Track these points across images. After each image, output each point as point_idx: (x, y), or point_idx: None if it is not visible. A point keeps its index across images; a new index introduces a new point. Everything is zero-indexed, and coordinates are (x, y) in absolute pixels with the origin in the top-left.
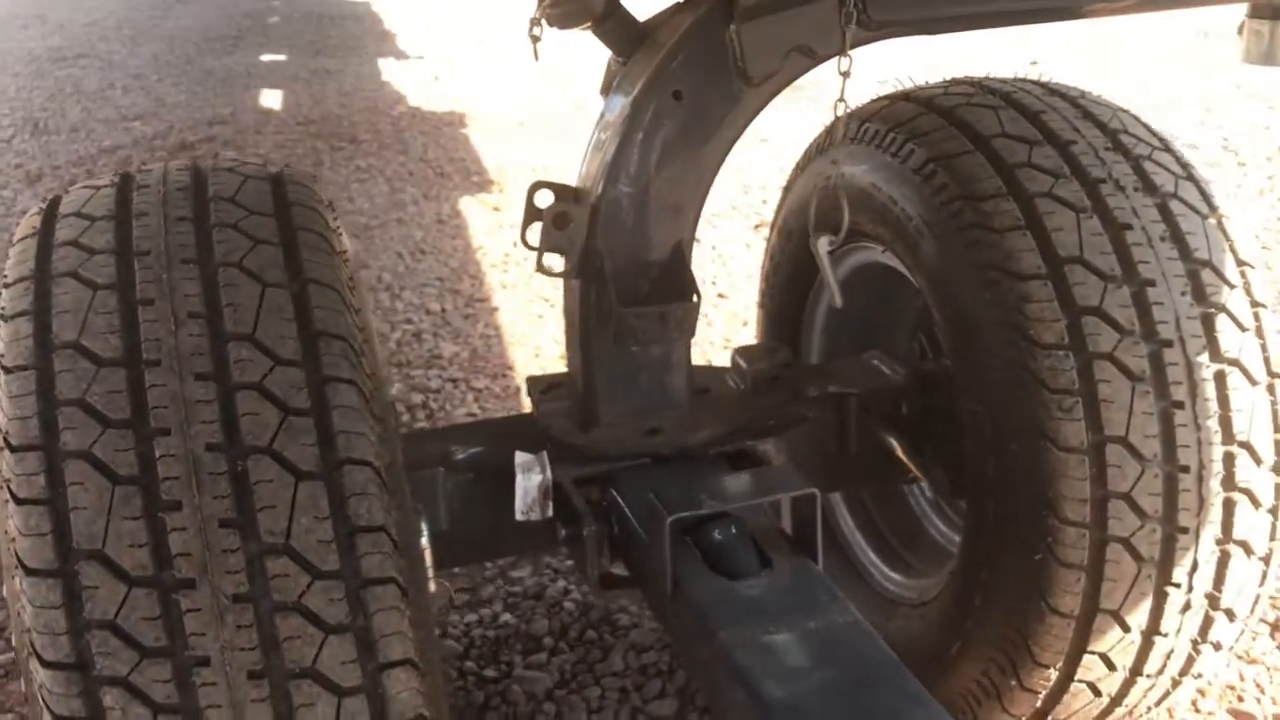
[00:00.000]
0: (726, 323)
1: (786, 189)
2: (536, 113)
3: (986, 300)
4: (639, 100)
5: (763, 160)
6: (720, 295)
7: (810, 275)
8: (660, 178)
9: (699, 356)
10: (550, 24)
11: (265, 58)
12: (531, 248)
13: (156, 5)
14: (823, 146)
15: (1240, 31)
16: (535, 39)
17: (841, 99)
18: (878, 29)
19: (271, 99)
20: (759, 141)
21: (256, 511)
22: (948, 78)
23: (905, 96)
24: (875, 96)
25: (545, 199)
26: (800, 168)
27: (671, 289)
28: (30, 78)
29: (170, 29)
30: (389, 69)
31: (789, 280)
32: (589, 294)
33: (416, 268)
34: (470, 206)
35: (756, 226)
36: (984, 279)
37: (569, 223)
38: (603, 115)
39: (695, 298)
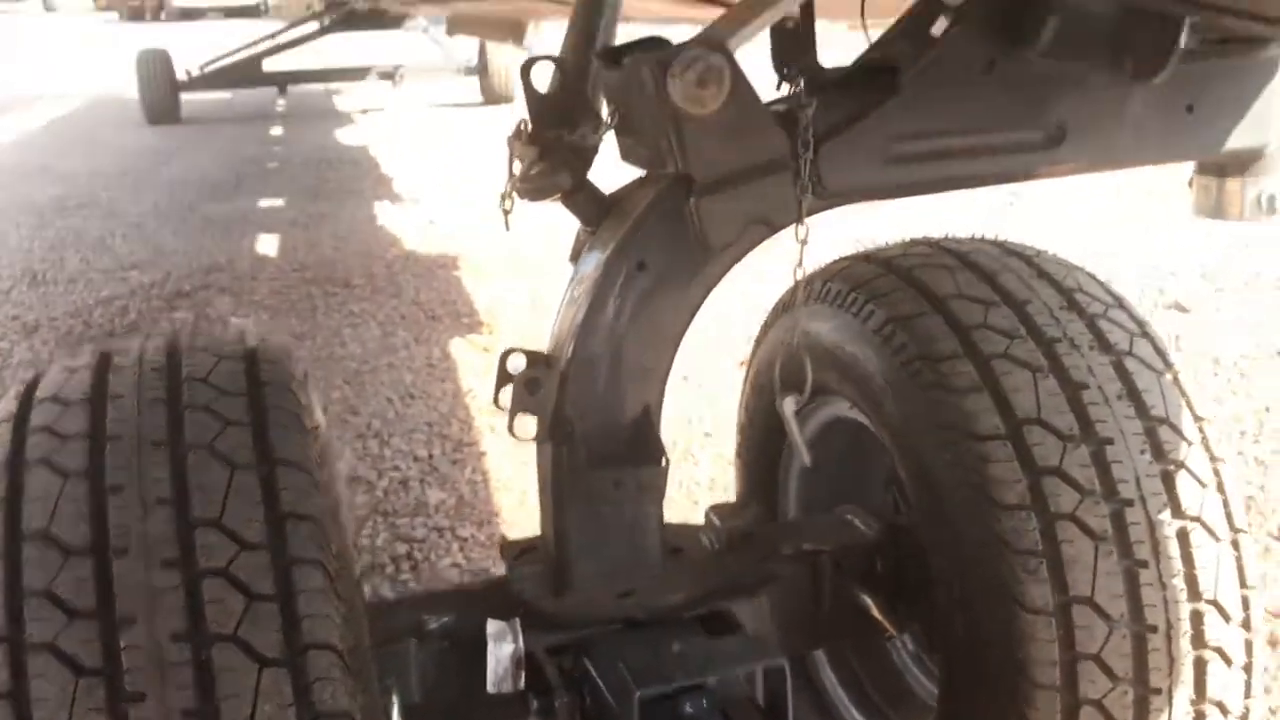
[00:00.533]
0: (713, 463)
1: (756, 344)
2: (527, 255)
3: (948, 460)
4: (605, 269)
5: (752, 293)
6: (706, 434)
7: (783, 430)
8: (627, 343)
9: (684, 499)
10: (521, 197)
11: (264, 203)
12: (504, 409)
13: (160, 152)
14: (787, 305)
15: (1190, 185)
16: (506, 211)
17: (800, 264)
18: (832, 198)
19: (268, 245)
20: (749, 273)
21: (220, 701)
22: (909, 238)
23: (866, 258)
24: (838, 257)
25: (517, 363)
26: (767, 325)
27: (640, 452)
28: (32, 228)
29: (172, 175)
30: (385, 213)
31: (763, 435)
32: (560, 457)
33: (406, 413)
34: (461, 349)
35: (742, 363)
36: (945, 439)
37: (539, 388)
38: (572, 282)
39: (664, 461)
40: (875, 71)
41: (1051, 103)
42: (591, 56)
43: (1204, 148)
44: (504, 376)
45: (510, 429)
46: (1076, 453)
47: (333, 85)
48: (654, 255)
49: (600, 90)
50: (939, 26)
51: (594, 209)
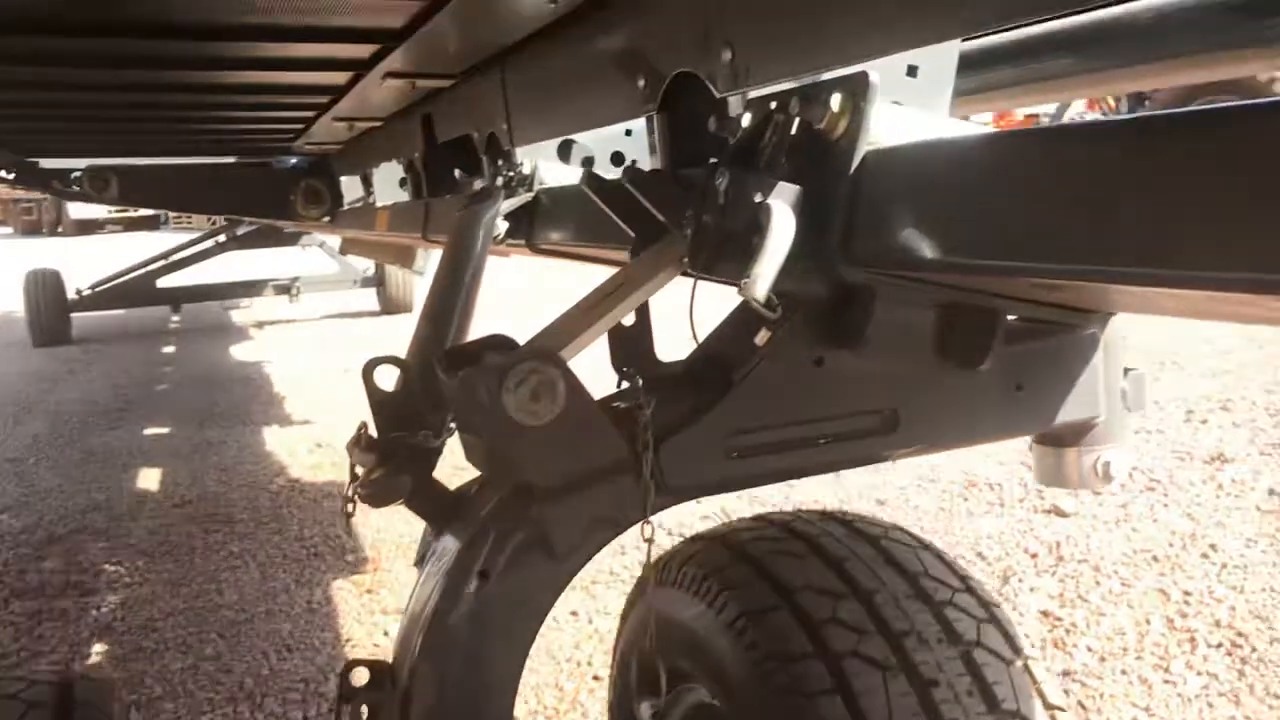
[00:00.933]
0: (601, 711)
1: (619, 632)
2: None
3: None
4: (448, 579)
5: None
6: (595, 678)
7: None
8: (472, 659)
9: None
10: (363, 502)
11: (149, 431)
12: None
13: (45, 378)
14: (644, 589)
15: (1030, 449)
16: (348, 515)
17: (649, 561)
18: (676, 494)
19: (150, 479)
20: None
21: None
22: (759, 515)
23: (720, 540)
24: (692, 536)
25: (361, 678)
26: (626, 611)
27: None
28: None
29: (57, 402)
30: (274, 437)
31: (629, 714)
32: None
33: (281, 669)
34: (343, 591)
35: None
36: None
37: (382, 709)
38: (416, 588)
39: None
40: (710, 368)
41: (883, 393)
42: (434, 360)
43: (1037, 423)
44: (347, 693)
45: None
46: None
47: (228, 300)
48: (497, 564)
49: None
50: (762, 337)
51: (438, 512)
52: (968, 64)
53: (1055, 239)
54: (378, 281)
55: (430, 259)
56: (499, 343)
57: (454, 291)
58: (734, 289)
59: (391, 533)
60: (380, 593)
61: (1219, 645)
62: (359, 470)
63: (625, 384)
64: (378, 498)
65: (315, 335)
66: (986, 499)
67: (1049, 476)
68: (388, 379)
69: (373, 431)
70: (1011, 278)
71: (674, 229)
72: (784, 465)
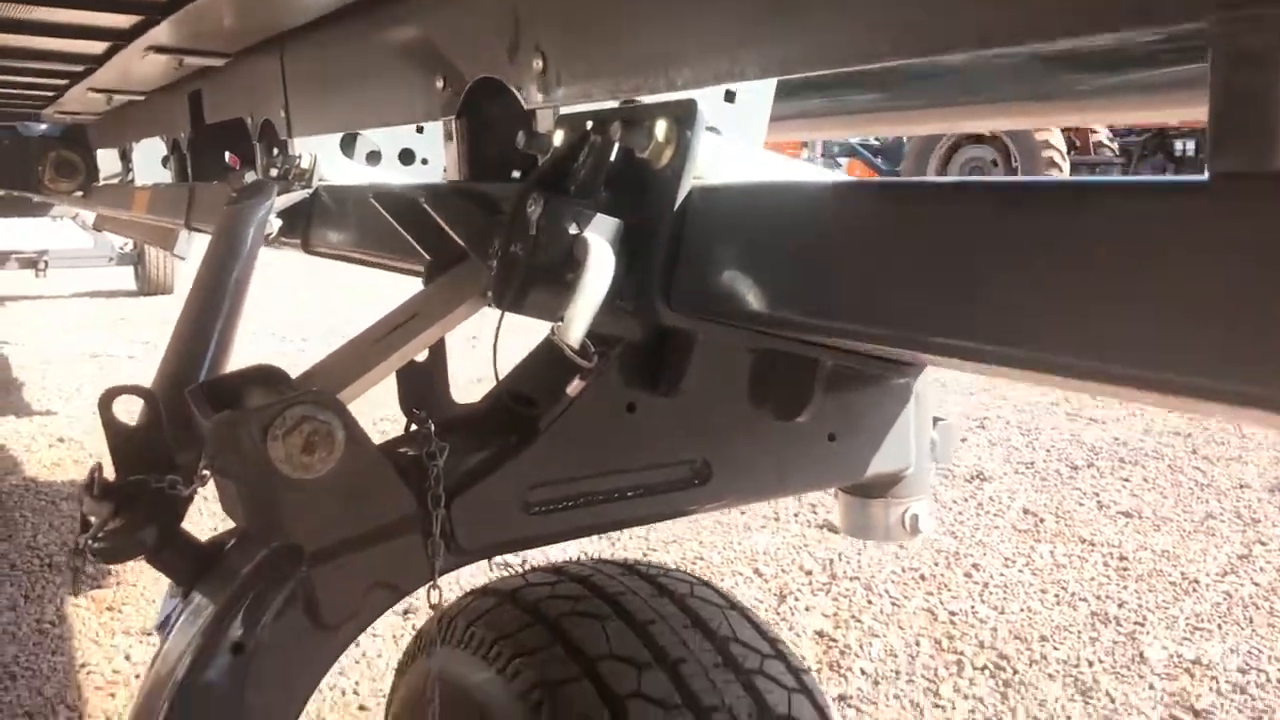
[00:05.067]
0: None
1: (393, 690)
2: None
3: None
4: (198, 651)
5: None
6: (361, 708)
7: None
8: None
9: None
10: (95, 557)
11: None
12: None
13: None
14: (425, 646)
15: (836, 498)
16: (76, 569)
17: (431, 629)
18: (467, 555)
19: None
20: None
21: None
22: (556, 565)
23: (511, 597)
24: (482, 588)
25: None
26: (402, 668)
27: None
28: None
29: None
30: (8, 429)
31: None
32: None
33: (2, 700)
34: (80, 608)
35: (405, 612)
36: None
37: None
38: (157, 658)
39: None
40: (510, 409)
41: (696, 442)
42: (187, 394)
43: (847, 475)
44: None
45: None
46: None
47: None
48: (254, 636)
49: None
50: (574, 387)
51: (186, 569)
52: (781, 90)
53: (883, 303)
54: (135, 259)
55: (193, 242)
56: (267, 376)
57: (216, 302)
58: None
59: None
60: (123, 610)
61: (984, 668)
62: (92, 520)
63: (415, 427)
64: (114, 553)
65: (64, 315)
66: (763, 513)
67: (855, 527)
68: (130, 412)
69: (109, 474)
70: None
71: (476, 256)
72: (588, 520)
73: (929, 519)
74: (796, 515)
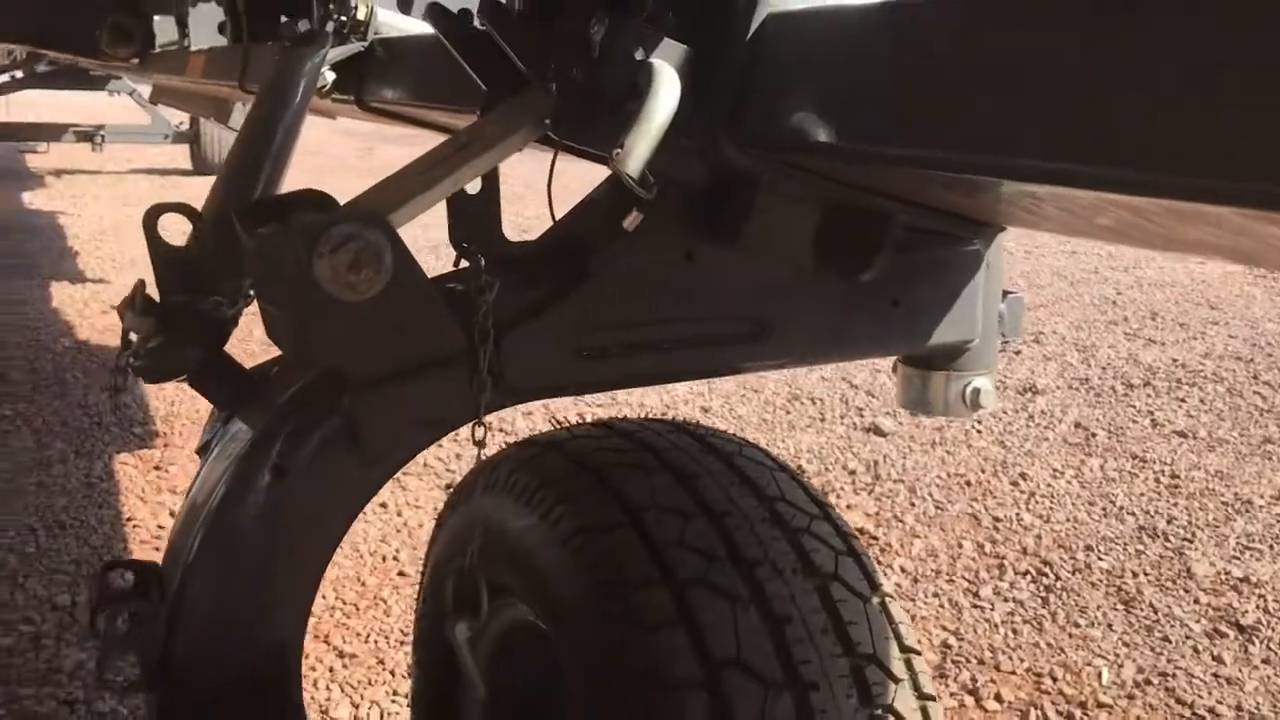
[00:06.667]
0: (405, 610)
1: (434, 535)
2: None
3: (637, 713)
4: (238, 473)
5: None
6: (400, 574)
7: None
8: (260, 568)
9: (370, 655)
10: (136, 375)
11: None
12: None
13: None
14: (468, 492)
15: (894, 371)
16: (115, 390)
17: (477, 468)
18: (514, 394)
19: None
20: None
21: None
22: (601, 421)
23: (556, 445)
24: (526, 439)
25: (123, 582)
26: (444, 514)
27: (271, 707)
28: None
29: None
30: (63, 294)
31: (440, 633)
32: (169, 714)
33: (50, 547)
34: (128, 466)
35: (447, 486)
36: (634, 687)
37: (147, 618)
38: (196, 481)
39: None
40: (565, 249)
41: (754, 297)
42: (233, 213)
43: (910, 342)
44: (105, 596)
45: (101, 677)
46: (780, 701)
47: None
48: (296, 460)
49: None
50: (631, 220)
51: (228, 393)
52: None
53: (984, 128)
54: (191, 138)
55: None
56: (314, 199)
57: (265, 141)
58: (599, 163)
59: (186, 406)
60: (169, 470)
61: (1025, 572)
62: (133, 337)
63: (465, 263)
64: (154, 371)
65: (119, 189)
66: (809, 413)
67: (913, 401)
68: (176, 231)
69: (153, 292)
70: (917, 171)
71: (537, 83)
72: (640, 370)
73: (991, 395)
74: (842, 417)
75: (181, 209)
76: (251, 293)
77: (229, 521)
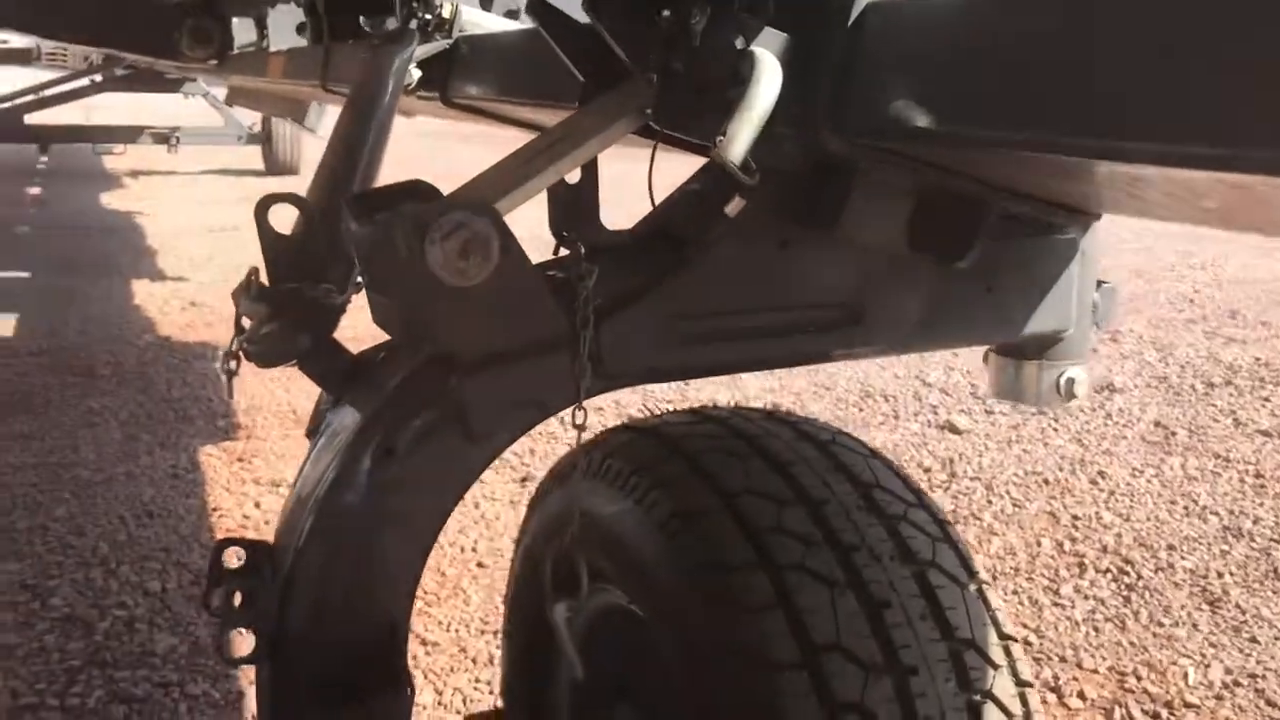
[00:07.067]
0: (485, 599)
1: (527, 517)
2: None
3: (737, 693)
4: (347, 454)
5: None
6: (480, 565)
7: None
8: (368, 545)
9: (452, 644)
10: (250, 360)
11: (5, 274)
12: (215, 615)
13: None
14: (563, 476)
15: (985, 361)
16: (230, 374)
17: (577, 450)
18: (613, 379)
19: (4, 325)
20: None
21: None
22: (692, 409)
23: (652, 431)
24: (619, 425)
25: (235, 559)
26: (538, 497)
27: (379, 678)
28: None
29: None
30: (143, 291)
31: (532, 615)
32: (280, 683)
33: (140, 536)
34: (212, 457)
35: (524, 480)
36: (734, 668)
37: (257, 599)
38: (306, 462)
39: (408, 690)
40: (661, 237)
41: (848, 284)
42: (342, 203)
43: (1002, 331)
44: (218, 575)
45: (219, 650)
46: (879, 685)
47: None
48: (405, 441)
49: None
50: (733, 206)
51: (337, 377)
52: None
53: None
54: (264, 139)
55: (324, 116)
56: (420, 190)
57: (361, 136)
58: (696, 153)
59: (268, 399)
60: (253, 462)
61: (1106, 571)
62: (246, 323)
63: (564, 251)
64: (268, 356)
65: (193, 190)
66: (882, 410)
67: (1005, 390)
68: (284, 221)
69: (264, 279)
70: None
71: (637, 74)
72: (735, 356)
73: (1085, 385)
74: (916, 414)
75: (291, 199)
76: (360, 280)
77: (339, 501)
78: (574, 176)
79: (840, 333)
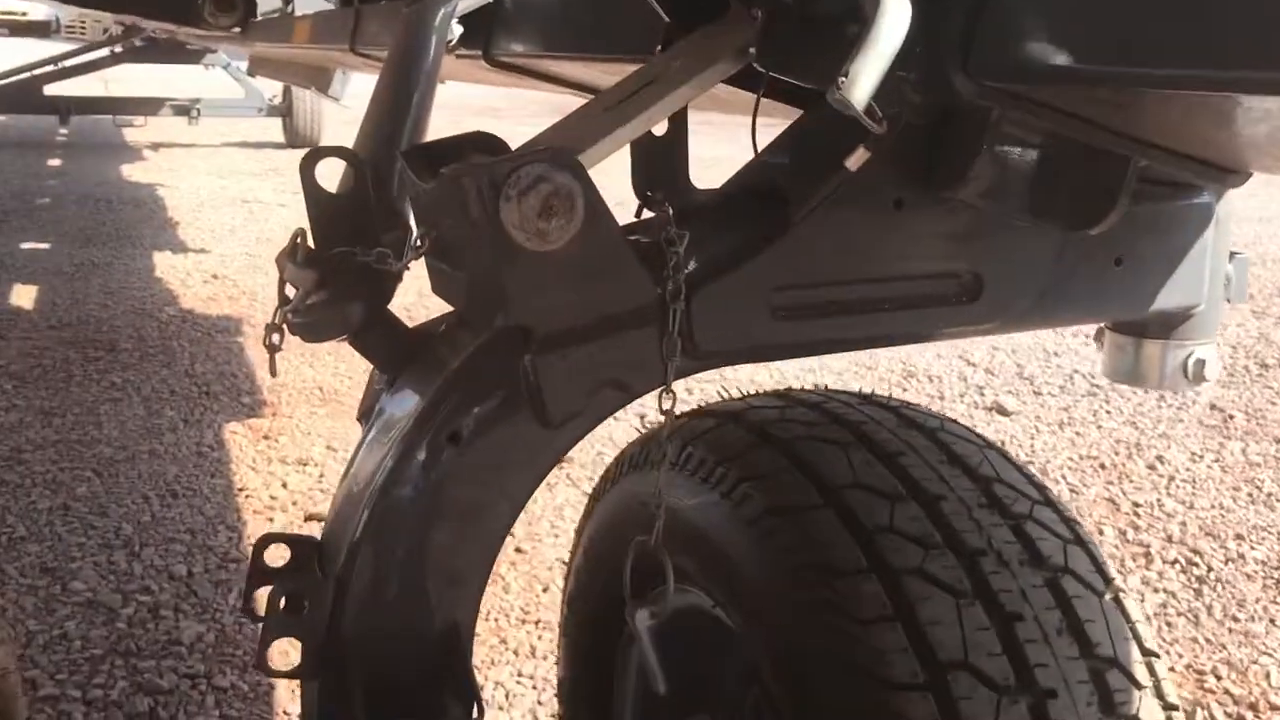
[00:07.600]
0: (525, 589)
1: (591, 504)
2: None
3: (851, 712)
4: (406, 441)
5: None
6: (518, 550)
7: (620, 615)
8: (431, 543)
9: (490, 633)
10: (293, 333)
11: (26, 246)
12: (257, 620)
13: None
14: (637, 463)
15: (1098, 339)
16: (273, 349)
17: (667, 435)
18: (705, 358)
19: (25, 297)
20: None
21: None
22: (777, 391)
23: (736, 417)
24: (697, 409)
25: (279, 557)
26: (604, 488)
27: (443, 695)
28: None
29: None
30: (165, 264)
31: (596, 613)
32: (331, 700)
33: (164, 516)
34: (237, 434)
35: (562, 464)
36: (847, 682)
37: (304, 598)
38: (359, 451)
39: (476, 707)
40: (758, 199)
41: (968, 251)
42: (397, 156)
43: (1131, 307)
44: (259, 575)
45: (261, 661)
46: (1015, 709)
47: (122, 116)
48: (472, 426)
49: (408, 201)
50: (855, 158)
51: (393, 354)
52: None
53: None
54: (284, 111)
55: (348, 84)
56: (487, 142)
57: (407, 90)
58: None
59: (293, 375)
60: (279, 440)
61: (1174, 562)
62: (291, 292)
63: (650, 212)
64: (316, 329)
65: (214, 162)
66: (926, 391)
67: (1122, 372)
68: (332, 178)
69: (311, 243)
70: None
71: (737, 8)
72: (841, 333)
73: (1215, 366)
74: (962, 395)
75: (341, 152)
76: (420, 244)
77: (398, 493)
78: (660, 129)
79: (958, 307)
